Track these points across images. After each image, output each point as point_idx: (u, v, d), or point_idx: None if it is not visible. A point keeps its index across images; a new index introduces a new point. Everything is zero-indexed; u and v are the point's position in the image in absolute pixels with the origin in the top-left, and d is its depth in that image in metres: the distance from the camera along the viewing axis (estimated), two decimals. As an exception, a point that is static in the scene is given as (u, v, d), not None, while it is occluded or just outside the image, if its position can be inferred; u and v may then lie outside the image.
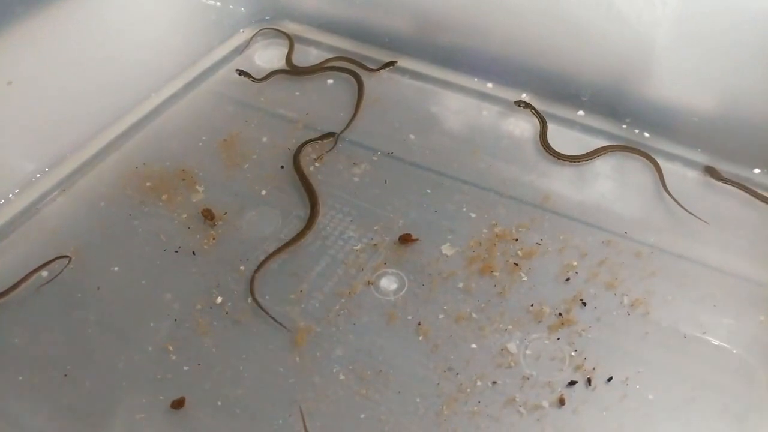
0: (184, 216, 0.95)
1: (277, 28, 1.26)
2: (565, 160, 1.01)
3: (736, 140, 0.99)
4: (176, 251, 0.91)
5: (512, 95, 1.11)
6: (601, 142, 1.05)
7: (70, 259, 0.90)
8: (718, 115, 1.00)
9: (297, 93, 1.15)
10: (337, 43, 1.24)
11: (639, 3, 0.95)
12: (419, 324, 0.83)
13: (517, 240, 0.92)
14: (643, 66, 1.01)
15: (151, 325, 0.84)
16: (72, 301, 0.86)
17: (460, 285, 0.87)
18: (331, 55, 1.22)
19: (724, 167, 0.99)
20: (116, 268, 0.90)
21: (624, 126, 1.06)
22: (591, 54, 1.04)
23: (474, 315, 0.84)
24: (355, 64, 1.18)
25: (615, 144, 1.03)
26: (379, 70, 1.17)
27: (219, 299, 0.86)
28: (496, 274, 0.88)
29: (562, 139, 1.05)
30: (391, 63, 1.18)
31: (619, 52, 1.02)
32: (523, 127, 1.08)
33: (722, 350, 0.81)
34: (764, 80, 0.94)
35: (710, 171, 0.99)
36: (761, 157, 0.98)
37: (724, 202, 0.97)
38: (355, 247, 0.91)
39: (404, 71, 1.18)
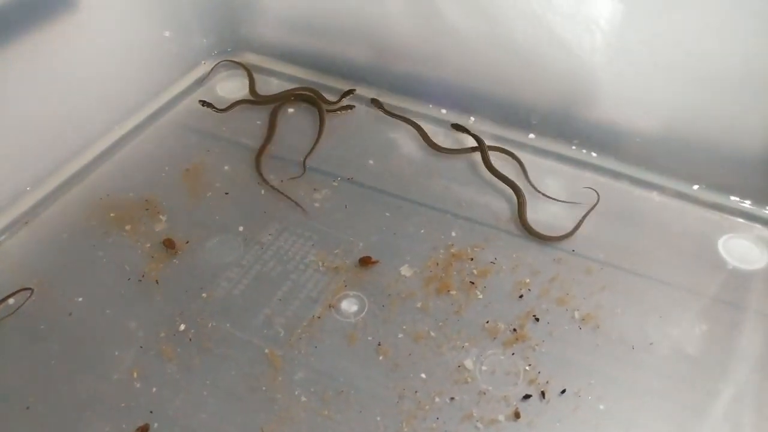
0: (148, 245, 0.97)
1: (235, 60, 1.29)
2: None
3: (677, 159, 1.05)
4: (140, 280, 0.93)
5: (466, 121, 1.15)
6: (552, 164, 1.10)
7: (32, 291, 0.90)
8: (659, 136, 1.05)
9: (258, 122, 1.18)
10: (297, 73, 1.28)
11: (577, 30, 1.00)
12: (379, 344, 0.85)
13: (472, 259, 0.95)
14: (587, 89, 1.07)
15: (116, 353, 0.85)
16: (35, 332, 0.87)
17: (419, 305, 0.90)
18: (291, 85, 1.25)
19: (667, 184, 1.05)
20: (80, 299, 0.91)
21: (573, 147, 1.11)
22: (538, 80, 1.09)
23: (432, 333, 0.87)
24: (316, 95, 1.22)
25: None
26: (338, 101, 1.20)
27: (182, 326, 0.87)
28: (453, 293, 0.91)
29: (514, 160, 1.09)
30: (350, 92, 1.21)
31: (564, 77, 1.07)
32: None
33: (668, 360, 0.85)
34: (701, 102, 1.00)
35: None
36: (699, 174, 1.04)
37: (668, 218, 1.02)
38: (316, 271, 0.94)
39: (362, 99, 1.22)
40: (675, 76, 1.00)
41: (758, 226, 1.01)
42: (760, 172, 1.02)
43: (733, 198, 1.03)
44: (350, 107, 1.20)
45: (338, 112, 1.19)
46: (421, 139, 1.12)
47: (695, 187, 1.04)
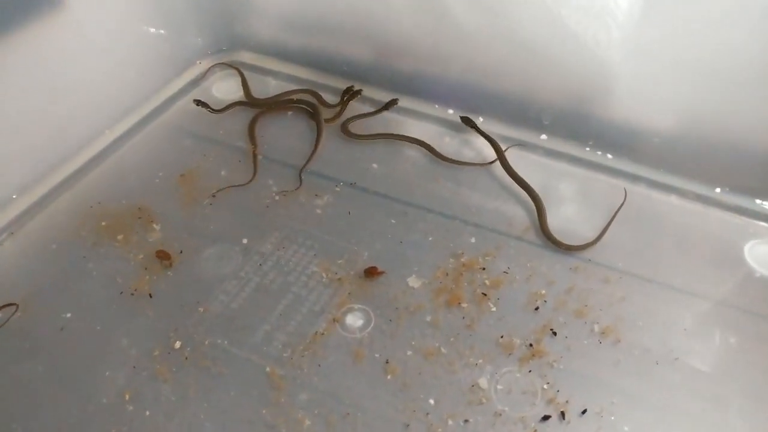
0: (141, 256, 0.91)
1: (228, 63, 1.23)
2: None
3: (698, 160, 0.99)
4: (132, 294, 0.87)
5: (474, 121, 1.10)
6: (565, 166, 1.05)
7: (17, 306, 0.85)
8: (679, 135, 1.00)
9: (267, 117, 1.12)
10: (295, 72, 1.23)
11: (594, 26, 0.94)
12: (387, 362, 0.80)
13: (484, 269, 0.90)
14: (603, 88, 1.01)
15: (107, 374, 0.80)
16: (20, 351, 0.82)
17: (428, 318, 0.85)
18: (289, 85, 1.20)
19: (687, 187, 1.00)
20: (69, 315, 0.85)
21: (587, 148, 1.05)
22: (550, 78, 1.03)
23: (443, 350, 0.82)
24: (315, 97, 1.16)
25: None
26: (339, 104, 1.14)
27: (177, 344, 0.82)
28: (464, 305, 0.86)
29: (525, 163, 1.04)
30: (349, 90, 1.15)
31: (578, 75, 1.01)
32: (487, 153, 1.06)
33: (695, 376, 0.80)
34: (722, 100, 0.95)
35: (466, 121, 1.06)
36: (721, 176, 0.98)
37: (689, 223, 0.96)
38: (319, 283, 0.88)
39: (364, 99, 1.16)
40: (696, 72, 0.95)
41: (785, 230, 0.96)
42: (787, 173, 0.97)
43: (758, 201, 0.97)
44: (350, 89, 1.15)
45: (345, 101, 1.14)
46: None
47: (718, 189, 0.99)
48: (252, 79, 1.21)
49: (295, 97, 1.17)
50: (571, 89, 1.03)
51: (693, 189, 0.99)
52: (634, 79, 0.99)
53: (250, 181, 1.01)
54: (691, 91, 0.97)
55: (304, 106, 1.14)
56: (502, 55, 1.06)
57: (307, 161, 1.04)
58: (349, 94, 1.15)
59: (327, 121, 1.11)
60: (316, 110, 1.12)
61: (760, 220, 0.96)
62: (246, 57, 1.26)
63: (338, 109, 1.13)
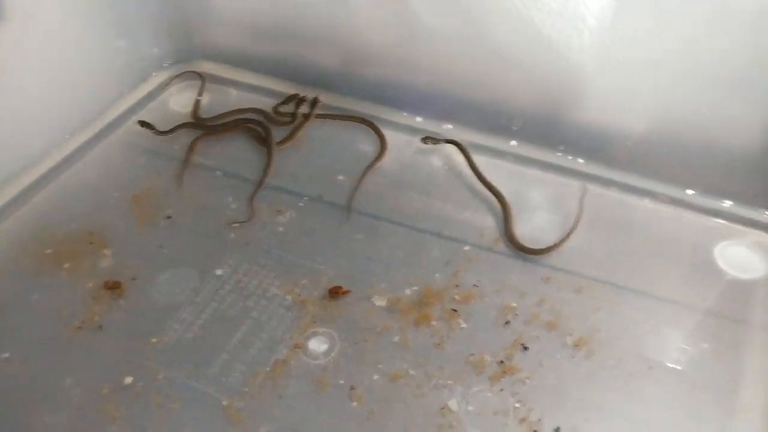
0: (90, 285, 0.86)
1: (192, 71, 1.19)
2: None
3: (670, 162, 0.97)
4: (80, 327, 0.82)
5: (442, 128, 1.06)
6: (535, 172, 1.02)
7: (-51, 346, 0.80)
8: (651, 138, 0.97)
9: (213, 138, 1.07)
10: (258, 82, 1.18)
11: (566, 30, 0.91)
12: (352, 388, 0.76)
13: (457, 286, 0.86)
14: (574, 92, 0.98)
15: (46, 419, 0.74)
16: (-51, 398, 0.76)
17: (396, 339, 0.81)
18: (251, 95, 1.16)
19: (660, 189, 0.97)
20: (6, 354, 0.79)
21: (558, 153, 1.02)
22: (520, 83, 1.00)
23: (411, 372, 0.78)
24: (263, 115, 1.11)
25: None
26: (290, 116, 1.10)
27: (128, 379, 0.77)
28: (434, 323, 0.82)
29: (495, 170, 1.00)
30: (294, 97, 1.12)
31: (549, 80, 0.98)
32: (456, 161, 1.03)
33: (669, 386, 0.77)
34: (694, 101, 0.92)
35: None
36: (693, 178, 0.96)
37: (662, 227, 0.94)
38: (280, 306, 0.84)
39: (330, 108, 1.12)
40: (667, 74, 0.92)
41: (757, 231, 0.94)
42: (758, 174, 0.94)
43: (728, 202, 0.95)
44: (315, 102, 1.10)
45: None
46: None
47: (689, 191, 0.96)
48: (212, 90, 1.17)
49: (246, 119, 1.11)
50: (541, 94, 1.00)
51: (665, 191, 0.97)
52: (606, 82, 0.96)
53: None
54: (663, 94, 0.95)
55: (254, 127, 1.08)
56: (471, 60, 1.02)
57: (256, 189, 0.98)
58: (305, 104, 1.10)
59: (279, 143, 1.05)
60: (268, 133, 1.06)
61: (729, 221, 0.94)
62: (206, 67, 1.21)
63: (295, 124, 1.08)
